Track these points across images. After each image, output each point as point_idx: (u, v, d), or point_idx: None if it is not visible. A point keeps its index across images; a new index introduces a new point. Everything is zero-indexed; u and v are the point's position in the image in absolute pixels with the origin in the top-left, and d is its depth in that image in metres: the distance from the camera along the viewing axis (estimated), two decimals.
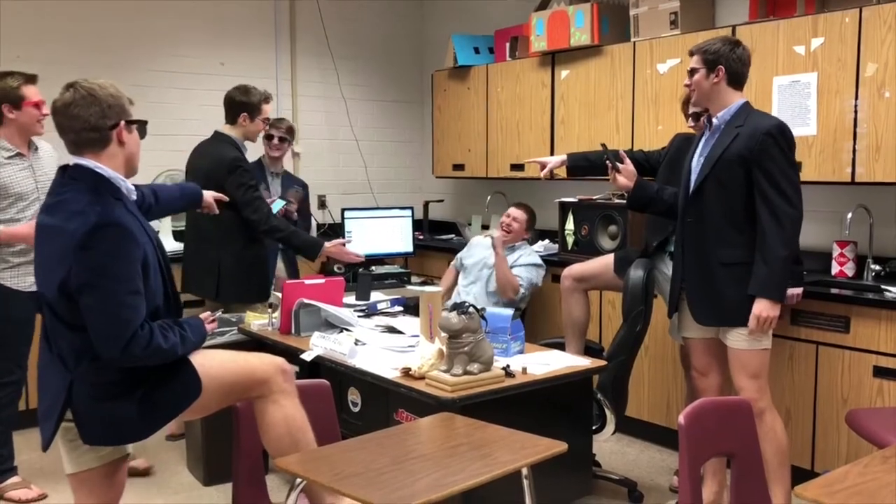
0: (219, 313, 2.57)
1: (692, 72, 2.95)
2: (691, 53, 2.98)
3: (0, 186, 3.27)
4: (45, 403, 2.21)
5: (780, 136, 2.80)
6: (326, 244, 3.99)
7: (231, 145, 3.83)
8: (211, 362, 2.29)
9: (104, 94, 2.16)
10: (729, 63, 2.89)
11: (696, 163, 2.98)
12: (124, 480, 2.37)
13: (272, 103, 4.05)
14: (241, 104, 3.85)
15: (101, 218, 2.07)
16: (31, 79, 3.36)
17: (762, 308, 2.80)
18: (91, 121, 2.14)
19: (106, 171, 2.17)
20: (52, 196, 2.21)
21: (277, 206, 4.22)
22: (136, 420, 2.17)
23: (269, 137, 4.37)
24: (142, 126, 2.29)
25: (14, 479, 3.44)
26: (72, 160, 2.20)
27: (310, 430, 2.33)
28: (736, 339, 2.90)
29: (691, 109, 3.32)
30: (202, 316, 2.41)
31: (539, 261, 4.24)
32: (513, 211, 4.27)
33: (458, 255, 4.50)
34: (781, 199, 2.78)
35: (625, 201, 4.23)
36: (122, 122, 2.19)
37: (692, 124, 3.33)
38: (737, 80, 2.92)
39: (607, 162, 3.17)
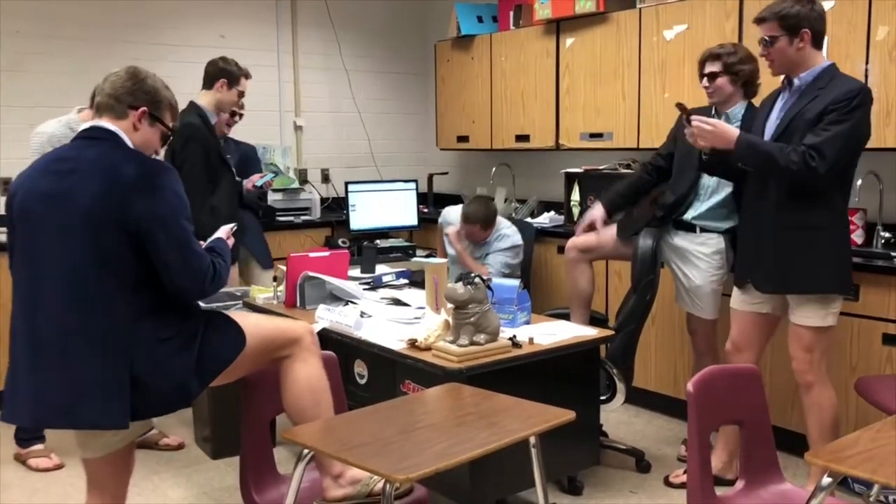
0: (234, 226, 2.59)
1: (771, 40, 2.75)
2: (762, 20, 2.77)
3: None
4: (93, 390, 2.04)
5: (857, 96, 2.65)
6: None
7: (193, 113, 3.77)
8: (247, 319, 2.35)
9: (148, 82, 2.23)
10: (812, 24, 2.72)
11: (772, 124, 2.87)
12: (134, 456, 2.37)
13: (256, 72, 4.01)
14: (222, 70, 3.84)
15: (159, 161, 2.16)
16: None
17: (723, 131, 2.76)
18: (117, 92, 2.19)
19: (123, 135, 2.17)
20: (62, 157, 2.17)
21: (266, 178, 4.20)
22: (194, 375, 2.14)
23: (232, 114, 4.17)
24: (165, 134, 2.27)
25: (38, 447, 3.50)
26: (88, 123, 2.20)
27: (329, 394, 2.35)
28: (800, 317, 2.81)
29: (706, 69, 3.16)
30: (222, 233, 2.46)
31: (514, 241, 4.09)
32: (463, 229, 4.06)
33: (441, 227, 4.42)
34: (821, 139, 2.62)
35: (630, 170, 4.23)
36: (144, 109, 2.19)
37: (706, 84, 3.19)
38: (819, 39, 2.76)
39: (686, 121, 2.91)
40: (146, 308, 2.10)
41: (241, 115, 4.27)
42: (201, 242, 2.31)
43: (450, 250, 4.27)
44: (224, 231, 2.47)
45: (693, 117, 2.86)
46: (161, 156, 2.45)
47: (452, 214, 4.30)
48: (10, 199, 2.18)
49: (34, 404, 2.07)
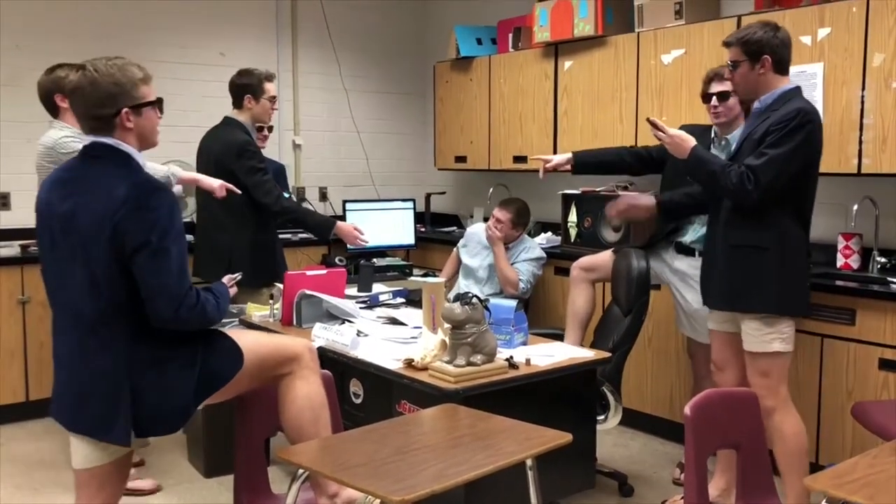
0: (238, 276, 2.62)
1: (734, 65, 2.78)
2: (728, 45, 2.81)
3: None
4: (95, 401, 2.12)
5: (794, 119, 2.66)
6: (339, 223, 4.01)
7: (240, 129, 3.82)
8: (246, 337, 2.34)
9: (106, 82, 2.12)
10: (773, 50, 2.74)
11: (733, 149, 2.91)
12: (129, 472, 2.36)
13: (275, 81, 3.99)
14: (242, 86, 3.85)
15: (153, 182, 2.14)
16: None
17: (680, 141, 2.81)
18: (92, 111, 2.15)
19: (125, 147, 2.17)
20: (68, 171, 2.21)
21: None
22: (192, 395, 2.16)
23: (259, 129, 4.30)
24: (155, 105, 2.24)
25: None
26: (89, 139, 2.20)
27: (328, 412, 2.35)
28: (746, 339, 2.82)
29: (714, 88, 3.16)
30: (225, 280, 2.48)
31: (539, 253, 4.22)
32: (496, 212, 4.20)
33: (458, 244, 4.47)
34: (758, 162, 2.64)
35: (626, 192, 4.25)
36: (125, 110, 2.16)
37: (716, 104, 3.15)
38: (782, 65, 2.78)
39: (651, 127, 2.93)
40: (144, 328, 2.11)
41: (270, 128, 4.31)
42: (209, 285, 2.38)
43: (466, 261, 4.30)
44: (228, 279, 2.54)
45: (652, 119, 2.91)
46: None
47: (479, 227, 4.37)
48: (36, 212, 2.25)
49: (68, 411, 2.18)
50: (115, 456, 2.21)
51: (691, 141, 2.84)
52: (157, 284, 2.08)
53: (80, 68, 2.15)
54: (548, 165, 3.58)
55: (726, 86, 3.09)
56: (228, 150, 3.75)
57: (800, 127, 2.67)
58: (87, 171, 2.16)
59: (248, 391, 2.32)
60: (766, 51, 2.74)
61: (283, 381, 2.32)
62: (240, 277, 2.66)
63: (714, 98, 3.15)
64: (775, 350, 2.78)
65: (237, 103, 3.88)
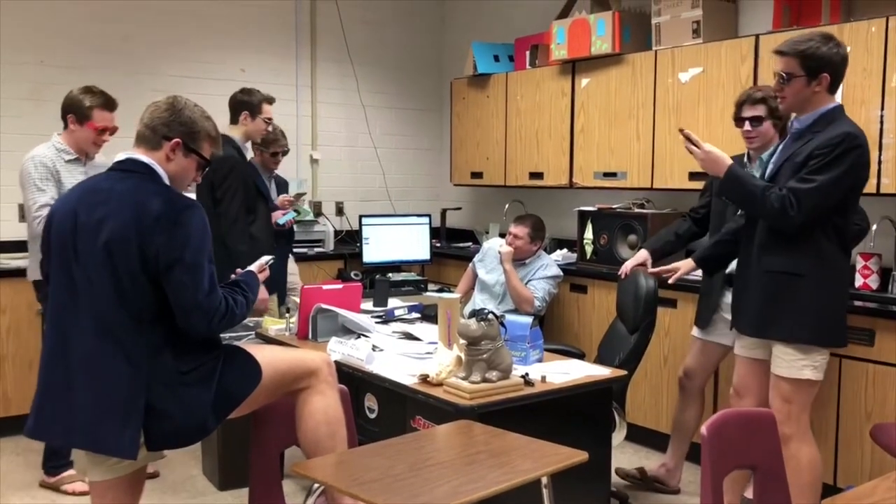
0: (271, 259, 2.63)
1: (787, 77, 2.60)
2: (783, 53, 2.62)
3: (63, 185, 3.38)
4: (105, 412, 2.09)
5: (842, 143, 2.54)
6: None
7: (229, 144, 3.82)
8: (263, 352, 2.36)
9: (186, 112, 2.24)
10: (834, 68, 2.58)
11: (770, 169, 2.78)
12: (144, 484, 2.37)
13: (274, 105, 4.05)
14: (241, 102, 3.91)
15: (185, 198, 2.17)
16: (109, 104, 3.47)
17: (715, 158, 2.70)
18: (153, 122, 2.23)
19: (158, 168, 2.21)
20: (98, 183, 2.23)
21: (287, 217, 4.22)
22: (210, 411, 2.16)
23: (274, 154, 4.32)
24: (201, 163, 2.30)
25: (69, 472, 3.52)
26: (123, 154, 2.24)
27: (345, 427, 2.35)
28: (776, 362, 2.73)
29: (746, 112, 3.09)
30: (255, 266, 2.49)
31: (556, 271, 4.21)
32: (513, 228, 4.21)
33: (474, 260, 4.48)
34: (802, 187, 2.54)
35: (643, 210, 4.26)
36: (179, 140, 2.21)
37: (749, 129, 3.09)
38: (836, 85, 2.63)
39: (685, 140, 2.80)
40: (166, 341, 2.13)
41: (285, 153, 4.34)
42: (238, 270, 2.36)
43: (483, 276, 4.31)
44: (258, 265, 2.52)
45: (687, 132, 2.78)
46: (193, 189, 2.46)
47: (496, 242, 4.37)
48: (48, 227, 2.25)
49: (65, 425, 2.13)
50: (130, 469, 2.21)
51: (727, 159, 2.73)
52: (191, 301, 2.10)
53: (173, 96, 2.27)
54: (627, 270, 3.46)
55: (759, 110, 3.04)
56: (218, 164, 3.75)
57: (847, 153, 2.55)
58: (118, 184, 2.19)
59: (265, 405, 2.33)
60: (826, 69, 2.58)
61: (300, 395, 2.33)
62: (272, 261, 2.65)
63: (747, 123, 3.09)
64: (805, 378, 2.69)
65: (233, 119, 3.94)
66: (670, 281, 3.26)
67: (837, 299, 2.72)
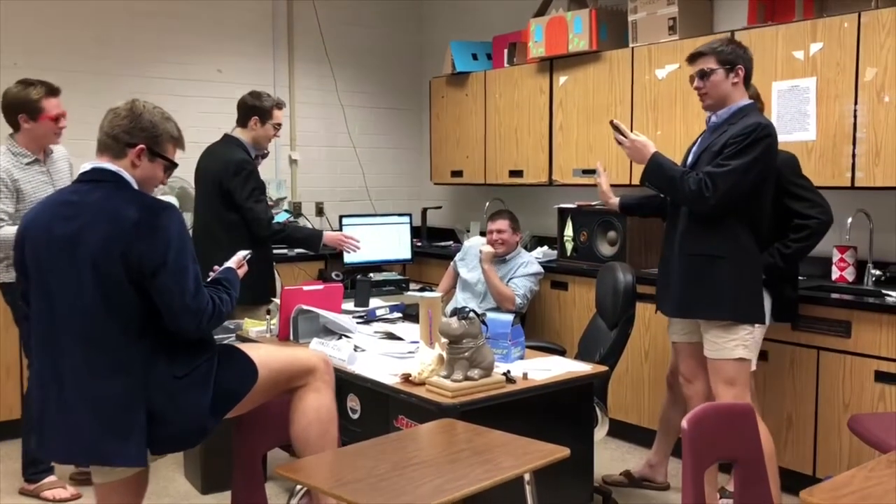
0: (248, 253, 2.64)
1: (706, 73, 2.85)
2: (699, 55, 2.88)
3: (23, 193, 3.29)
4: (105, 424, 2.08)
5: (754, 132, 2.75)
6: (326, 233, 4.03)
7: (239, 148, 3.83)
8: (259, 350, 2.36)
9: (146, 117, 2.21)
10: (745, 63, 2.86)
11: (690, 160, 2.98)
12: (148, 483, 2.35)
13: (284, 110, 4.03)
14: (252, 108, 3.86)
15: (159, 201, 2.17)
16: (53, 91, 3.36)
17: (641, 146, 2.86)
18: (114, 131, 2.19)
19: (126, 175, 2.19)
20: (68, 195, 2.20)
21: (281, 217, 4.21)
22: (209, 412, 2.16)
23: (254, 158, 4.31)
24: (167, 166, 2.28)
25: (50, 479, 3.48)
26: (88, 164, 2.21)
27: (336, 427, 2.36)
28: (709, 347, 2.88)
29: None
30: (233, 262, 2.49)
31: (537, 268, 4.22)
32: (493, 226, 4.20)
33: (455, 258, 4.48)
34: (717, 171, 2.73)
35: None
36: (143, 146, 2.19)
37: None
38: (748, 81, 2.91)
39: (613, 130, 2.97)
40: (158, 348, 2.12)
41: (264, 155, 4.29)
42: (216, 267, 2.36)
43: (464, 275, 4.31)
44: (235, 260, 2.50)
45: (616, 122, 2.98)
46: (163, 193, 2.44)
47: (477, 241, 4.37)
48: (20, 244, 2.20)
49: (67, 445, 2.12)
50: (134, 470, 2.21)
51: (651, 147, 2.91)
52: (179, 304, 2.10)
53: (133, 100, 2.23)
54: (602, 185, 3.43)
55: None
56: (226, 167, 3.75)
57: (758, 141, 2.76)
58: (88, 195, 2.16)
59: (261, 404, 2.33)
60: (739, 62, 2.84)
61: (296, 393, 2.34)
62: (250, 255, 2.64)
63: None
64: (739, 356, 2.84)
65: (242, 122, 3.88)
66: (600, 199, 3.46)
67: (753, 279, 2.89)
